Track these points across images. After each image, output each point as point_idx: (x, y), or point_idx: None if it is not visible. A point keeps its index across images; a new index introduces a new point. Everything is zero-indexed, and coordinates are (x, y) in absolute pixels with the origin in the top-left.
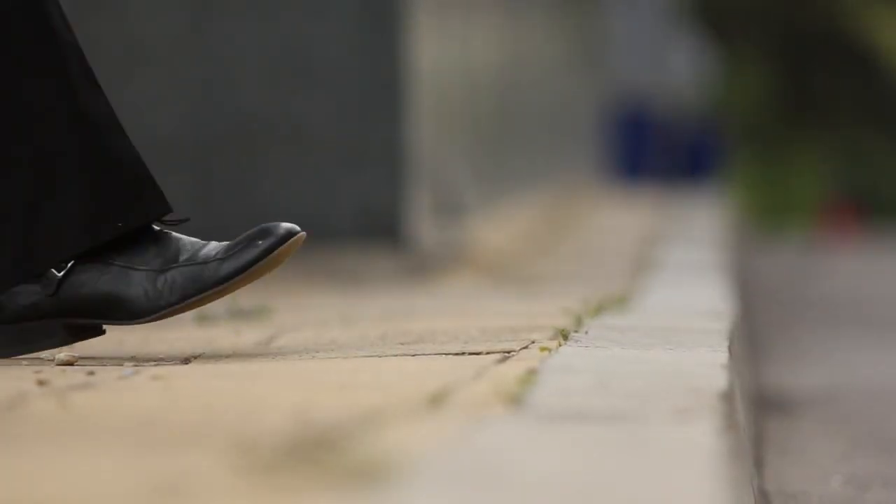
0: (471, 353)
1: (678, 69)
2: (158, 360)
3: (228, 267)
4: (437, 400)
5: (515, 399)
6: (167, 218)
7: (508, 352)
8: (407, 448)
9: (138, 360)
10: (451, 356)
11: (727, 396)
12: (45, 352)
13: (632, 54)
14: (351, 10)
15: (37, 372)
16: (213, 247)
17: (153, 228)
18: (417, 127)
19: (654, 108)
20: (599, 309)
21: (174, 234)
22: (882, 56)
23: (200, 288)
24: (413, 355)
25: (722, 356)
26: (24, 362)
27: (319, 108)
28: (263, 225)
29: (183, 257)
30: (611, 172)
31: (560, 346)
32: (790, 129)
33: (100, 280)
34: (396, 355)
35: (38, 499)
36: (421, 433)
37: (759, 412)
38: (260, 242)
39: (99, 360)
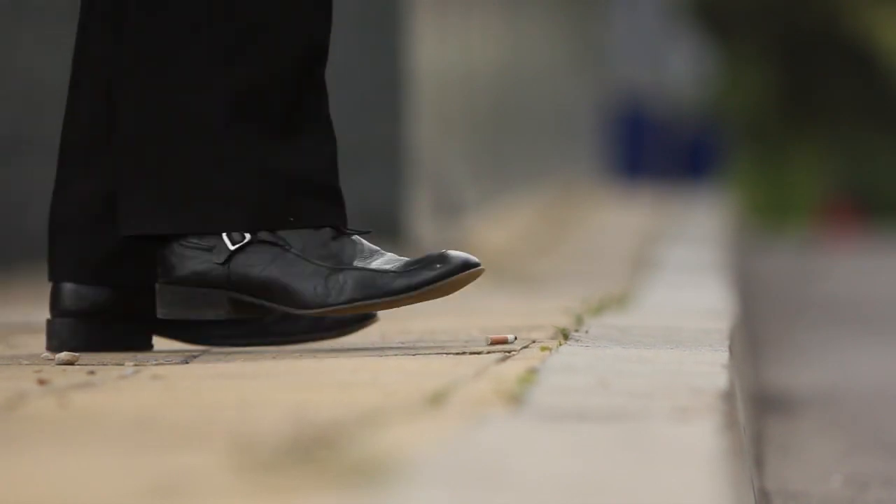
0: (471, 353)
1: (678, 69)
2: (159, 360)
3: (402, 282)
4: (437, 399)
5: (516, 398)
6: (352, 228)
7: (509, 351)
8: (407, 447)
9: (139, 359)
10: (451, 355)
11: (727, 396)
12: (46, 351)
13: (632, 54)
14: (351, 11)
15: (37, 371)
16: (390, 258)
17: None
18: (417, 127)
19: (654, 108)
20: (600, 308)
21: (354, 235)
22: (882, 56)
23: (369, 295)
24: (413, 355)
25: (722, 356)
26: (25, 362)
27: None
28: (447, 250)
29: (358, 261)
30: (610, 172)
31: (560, 345)
32: (790, 128)
33: (272, 263)
34: (396, 355)
35: (38, 499)
36: (421, 433)
37: (759, 412)
38: (438, 266)
39: (100, 359)
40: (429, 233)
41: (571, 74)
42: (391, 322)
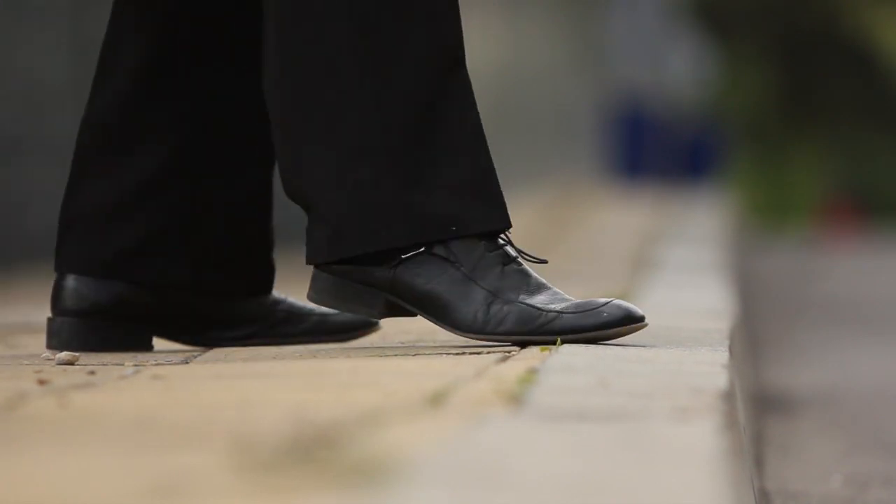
0: (471, 353)
1: (678, 69)
2: (159, 360)
3: (562, 324)
4: (437, 399)
5: (516, 398)
6: (527, 253)
7: (509, 351)
8: (407, 447)
9: (139, 359)
10: (451, 356)
11: (727, 396)
12: (46, 351)
13: (632, 54)
14: None
15: (37, 371)
16: (555, 296)
17: (505, 249)
18: None
19: (654, 107)
20: None
21: (525, 266)
22: (882, 56)
23: (528, 331)
24: (413, 355)
25: (722, 356)
26: (25, 362)
27: None
28: (618, 301)
29: (523, 295)
30: (610, 172)
31: (560, 345)
32: (790, 128)
33: (440, 277)
34: (396, 355)
35: (38, 499)
36: (421, 433)
37: (759, 412)
38: (605, 315)
39: (100, 359)
40: None
41: (571, 74)
42: (391, 322)
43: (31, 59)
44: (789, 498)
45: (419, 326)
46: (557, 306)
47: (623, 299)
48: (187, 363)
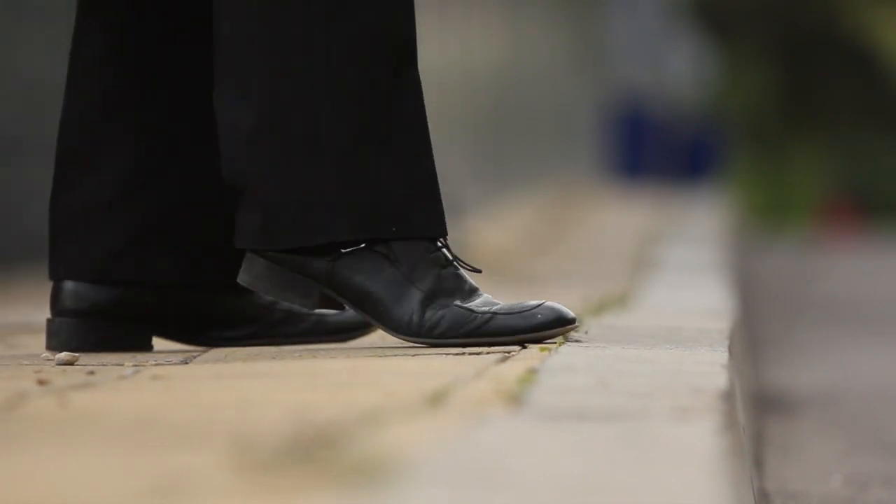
0: (471, 353)
1: (678, 69)
2: (158, 360)
3: (495, 326)
4: (437, 399)
5: (516, 398)
6: (462, 260)
7: (508, 351)
8: (407, 447)
9: (139, 359)
10: (450, 356)
11: (727, 396)
12: (46, 352)
13: (632, 54)
14: None
15: (37, 371)
16: (488, 301)
17: (444, 252)
18: None
19: (654, 107)
20: (600, 308)
21: (462, 271)
22: (882, 56)
23: (463, 334)
24: (413, 355)
25: (722, 356)
26: (25, 362)
27: None
28: (547, 302)
29: (458, 299)
30: (610, 172)
31: (560, 345)
32: (790, 128)
33: (378, 276)
34: (396, 355)
35: (38, 499)
36: (421, 433)
37: (759, 412)
38: (539, 317)
39: (99, 359)
40: None
41: (571, 74)
42: None
43: (31, 59)
44: (789, 498)
45: None
46: (489, 309)
47: (622, 299)
48: (187, 363)
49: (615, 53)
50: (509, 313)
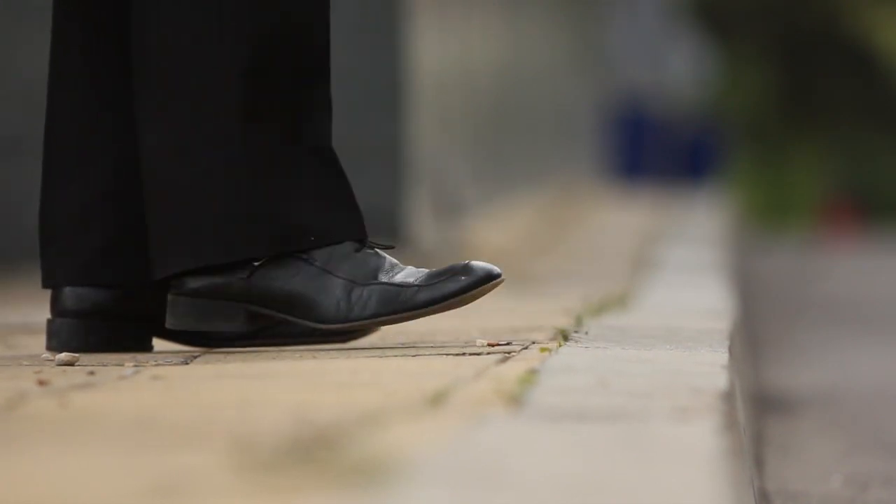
0: (471, 353)
1: (678, 69)
2: (158, 360)
3: (425, 296)
4: (437, 400)
5: (516, 399)
6: (374, 241)
7: (509, 352)
8: (407, 447)
9: (139, 359)
10: (451, 356)
11: (727, 396)
12: (46, 352)
13: (632, 54)
14: (351, 10)
15: (37, 372)
16: (411, 271)
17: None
18: (417, 127)
19: (654, 108)
20: (600, 308)
21: (377, 250)
22: (882, 56)
23: (393, 310)
24: (413, 355)
25: (722, 356)
26: (25, 362)
27: None
28: (471, 262)
29: (382, 276)
30: (610, 172)
31: (560, 345)
32: (790, 128)
33: (296, 277)
34: (396, 355)
35: (38, 499)
36: (421, 433)
37: (759, 412)
38: (463, 278)
39: (99, 359)
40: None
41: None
42: None
43: (31, 59)
44: (789, 498)
45: (419, 327)
46: (416, 279)
47: (622, 299)
48: (187, 363)
49: (615, 53)
50: (435, 282)
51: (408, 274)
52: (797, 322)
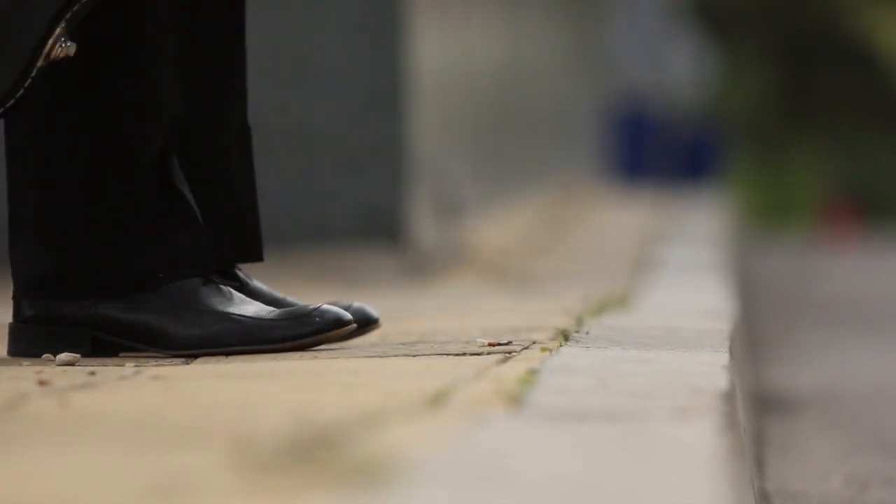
0: (471, 354)
1: (678, 69)
2: (159, 361)
3: (278, 333)
4: (437, 400)
5: (516, 399)
6: (221, 278)
7: (509, 352)
8: (407, 447)
9: (139, 360)
10: (451, 356)
11: (728, 396)
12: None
13: (632, 54)
14: (351, 10)
15: (37, 372)
16: (261, 307)
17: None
18: (417, 127)
19: (654, 108)
20: (600, 309)
21: (221, 286)
22: (882, 56)
23: (249, 342)
24: (413, 355)
25: (722, 356)
26: (25, 362)
27: (319, 108)
28: (325, 306)
29: (232, 308)
30: (610, 172)
31: (561, 346)
32: (790, 128)
33: (145, 307)
34: (397, 355)
35: (38, 499)
36: (421, 433)
37: (759, 412)
38: (317, 320)
39: (100, 359)
40: (429, 233)
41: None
42: (391, 323)
43: None
44: (789, 498)
45: (420, 327)
46: (269, 316)
47: (622, 300)
48: (187, 363)
49: (615, 53)
50: (289, 319)
51: (259, 308)
52: (797, 322)
